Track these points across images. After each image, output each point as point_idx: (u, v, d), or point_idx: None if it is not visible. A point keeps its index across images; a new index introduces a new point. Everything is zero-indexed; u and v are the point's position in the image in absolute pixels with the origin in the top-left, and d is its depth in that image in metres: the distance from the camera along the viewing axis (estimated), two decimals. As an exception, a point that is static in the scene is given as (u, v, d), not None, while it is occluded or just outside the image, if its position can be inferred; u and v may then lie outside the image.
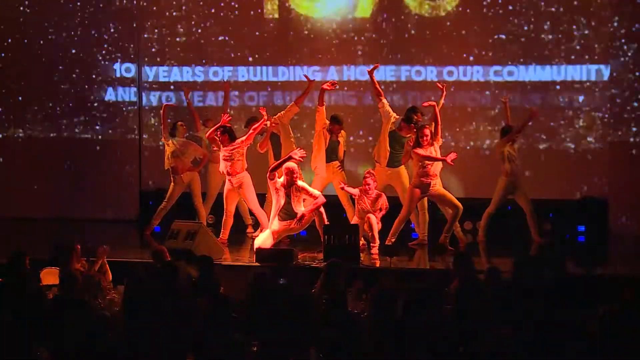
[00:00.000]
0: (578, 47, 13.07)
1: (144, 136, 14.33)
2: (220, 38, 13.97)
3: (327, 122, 11.48)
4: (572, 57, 13.11)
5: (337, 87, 11.86)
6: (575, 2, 13.03)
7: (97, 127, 14.42)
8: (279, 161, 10.75)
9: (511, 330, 5.76)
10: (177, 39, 14.07)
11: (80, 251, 8.70)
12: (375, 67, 11.48)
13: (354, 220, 10.93)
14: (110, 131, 14.42)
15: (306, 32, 13.76)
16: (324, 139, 11.46)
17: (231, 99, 13.12)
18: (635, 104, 13.02)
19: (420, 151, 10.80)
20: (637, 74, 13.01)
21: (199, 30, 14.00)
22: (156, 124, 14.03)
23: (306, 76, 12.12)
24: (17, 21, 14.43)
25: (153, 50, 14.20)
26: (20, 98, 14.56)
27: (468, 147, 13.37)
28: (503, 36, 13.25)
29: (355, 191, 10.89)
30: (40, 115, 14.52)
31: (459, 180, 12.93)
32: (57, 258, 8.58)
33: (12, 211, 14.26)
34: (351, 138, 13.04)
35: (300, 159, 10.54)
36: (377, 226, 10.63)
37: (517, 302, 6.92)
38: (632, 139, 13.03)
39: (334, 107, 12.22)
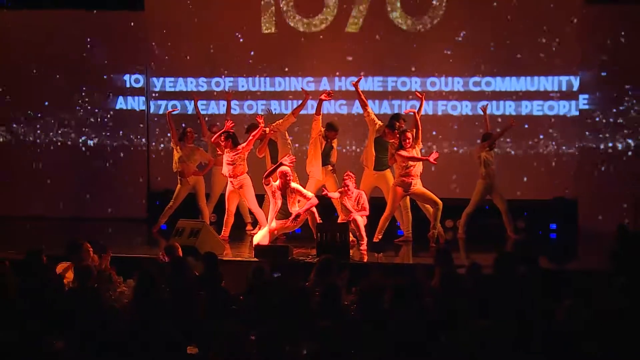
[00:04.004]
0: (550, 60, 13.09)
1: (152, 141, 14.32)
2: (221, 51, 13.95)
3: (323, 129, 11.49)
4: (545, 69, 13.13)
5: (332, 96, 11.85)
6: (547, 19, 13.04)
7: (109, 133, 14.41)
8: (271, 168, 10.80)
9: (489, 322, 5.75)
10: (182, 53, 14.04)
11: (93, 248, 8.68)
12: (359, 79, 11.48)
13: (339, 218, 10.95)
14: (121, 137, 14.41)
15: (300, 45, 13.75)
16: (320, 145, 11.47)
17: (232, 107, 13.09)
18: (603, 112, 13.06)
19: (403, 153, 10.83)
20: (604, 84, 13.04)
21: (202, 45, 13.97)
22: (160, 130, 14.06)
23: (303, 90, 12.14)
24: (35, 38, 14.39)
25: (160, 62, 14.17)
26: (39, 107, 14.54)
27: (449, 152, 13.37)
28: (481, 50, 13.25)
29: (335, 195, 10.92)
30: (57, 123, 14.50)
31: (440, 182, 12.90)
32: (71, 254, 8.56)
33: (33, 210, 14.26)
34: (347, 141, 13.12)
35: (290, 164, 10.62)
36: (363, 225, 10.66)
37: (495, 295, 6.92)
38: (599, 145, 13.06)
39: (325, 115, 12.20)
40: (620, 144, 13.02)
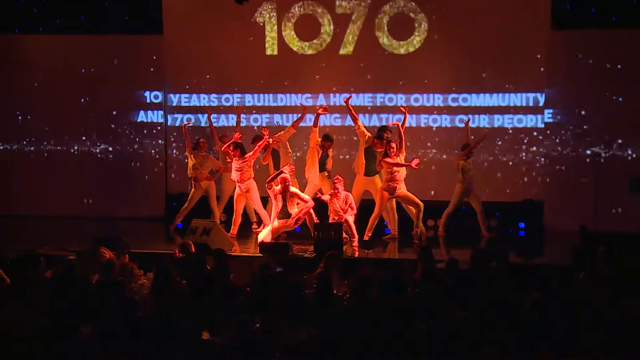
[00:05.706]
0: (519, 79, 13.12)
1: (169, 150, 14.35)
2: (230, 71, 13.97)
3: (319, 139, 11.52)
4: (514, 86, 13.17)
5: (328, 110, 11.91)
6: (517, 42, 13.07)
7: (132, 143, 14.45)
8: (273, 175, 10.83)
9: (465, 311, 5.76)
10: (196, 72, 14.06)
11: (115, 246, 8.68)
12: (349, 97, 11.50)
13: (330, 218, 10.97)
14: (142, 146, 14.44)
15: (300, 66, 13.77)
16: (317, 153, 11.50)
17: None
18: (565, 124, 13.10)
19: (388, 160, 10.86)
20: (566, 100, 13.08)
21: (214, 65, 14.00)
22: (176, 140, 14.10)
23: (302, 105, 12.19)
24: (67, 60, 14.43)
25: (176, 80, 14.20)
26: (72, 120, 14.56)
27: (431, 159, 13.39)
28: (459, 70, 13.27)
29: (326, 197, 10.94)
30: (87, 134, 14.52)
31: (423, 186, 12.92)
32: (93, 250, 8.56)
33: (63, 210, 14.27)
34: (341, 150, 13.13)
35: (290, 172, 10.68)
36: (353, 224, 10.69)
37: (471, 287, 6.94)
38: (562, 153, 13.11)
39: (322, 127, 12.23)
40: (580, 153, 13.05)
